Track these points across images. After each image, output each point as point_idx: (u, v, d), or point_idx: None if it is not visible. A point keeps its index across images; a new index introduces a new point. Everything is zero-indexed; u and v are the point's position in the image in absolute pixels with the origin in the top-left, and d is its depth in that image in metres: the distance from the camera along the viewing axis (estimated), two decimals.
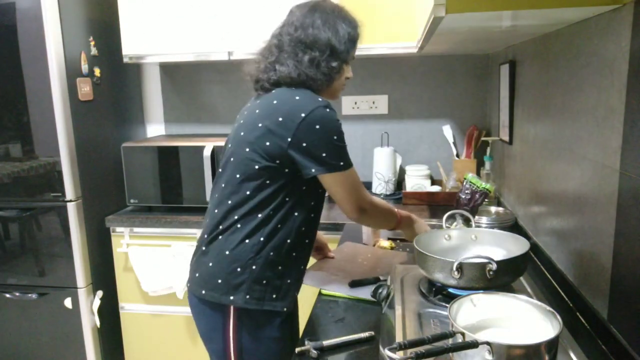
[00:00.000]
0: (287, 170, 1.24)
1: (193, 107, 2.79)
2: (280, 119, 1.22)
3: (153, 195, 2.35)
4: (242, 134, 1.28)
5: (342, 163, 1.25)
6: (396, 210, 1.49)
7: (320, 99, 1.25)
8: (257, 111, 1.28)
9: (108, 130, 2.46)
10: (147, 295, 2.34)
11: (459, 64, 2.56)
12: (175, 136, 2.61)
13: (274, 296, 1.28)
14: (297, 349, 1.09)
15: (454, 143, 2.54)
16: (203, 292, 1.30)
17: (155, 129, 2.85)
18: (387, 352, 0.80)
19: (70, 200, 2.21)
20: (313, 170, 1.23)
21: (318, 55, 1.28)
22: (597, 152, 1.09)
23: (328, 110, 1.24)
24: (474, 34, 1.54)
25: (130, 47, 2.36)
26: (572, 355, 0.91)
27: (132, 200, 2.38)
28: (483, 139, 2.35)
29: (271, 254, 1.27)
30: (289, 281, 1.30)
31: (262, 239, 1.26)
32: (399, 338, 0.98)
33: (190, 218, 2.24)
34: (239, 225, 1.28)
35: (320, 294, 1.41)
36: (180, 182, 2.31)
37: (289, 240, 1.29)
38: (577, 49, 1.21)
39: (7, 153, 2.24)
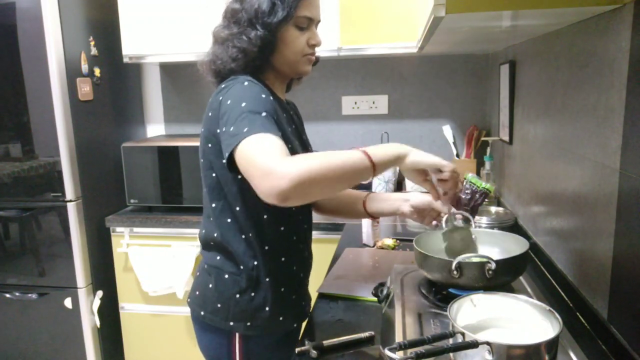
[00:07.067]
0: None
1: (193, 107, 2.79)
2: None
3: (153, 195, 2.35)
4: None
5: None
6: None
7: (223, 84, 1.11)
8: None
9: (108, 130, 2.46)
10: (147, 295, 2.34)
11: (459, 64, 2.56)
12: (175, 136, 2.61)
13: (281, 319, 1.21)
14: (297, 349, 1.09)
15: (454, 143, 2.54)
16: (202, 313, 1.21)
17: (155, 129, 2.85)
18: (387, 352, 0.79)
19: (70, 200, 2.21)
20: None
21: (228, 33, 1.15)
22: (597, 152, 1.09)
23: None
24: (474, 34, 1.54)
25: (130, 47, 2.36)
26: (572, 355, 0.91)
27: (132, 200, 2.38)
28: (483, 139, 2.35)
29: (267, 279, 1.18)
30: (293, 297, 1.24)
31: (255, 262, 1.18)
32: (399, 338, 0.98)
33: (190, 218, 2.24)
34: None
35: (320, 294, 1.41)
36: (180, 182, 2.31)
37: (283, 258, 1.21)
38: (577, 49, 1.21)
39: (7, 153, 2.24)
